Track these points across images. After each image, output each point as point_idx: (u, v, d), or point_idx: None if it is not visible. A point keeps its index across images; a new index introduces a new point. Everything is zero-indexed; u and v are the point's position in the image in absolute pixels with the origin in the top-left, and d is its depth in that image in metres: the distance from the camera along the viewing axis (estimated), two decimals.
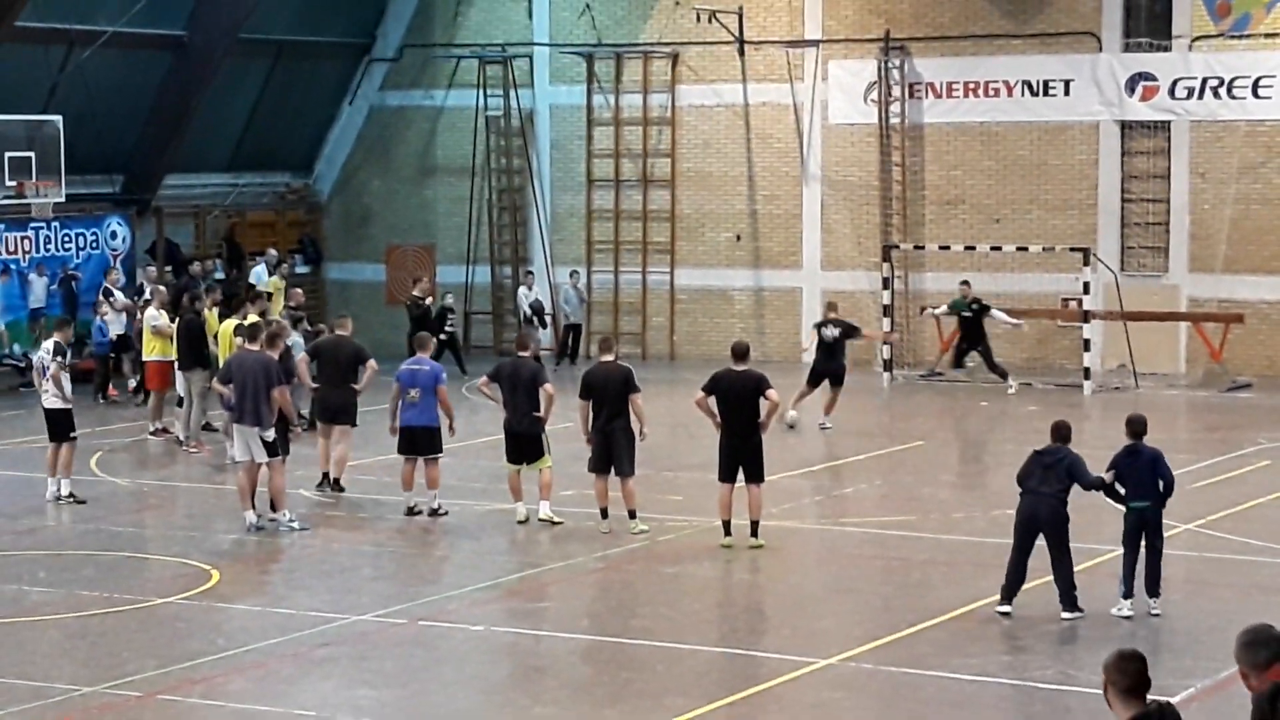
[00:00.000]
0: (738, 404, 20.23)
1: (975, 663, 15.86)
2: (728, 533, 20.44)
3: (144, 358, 28.97)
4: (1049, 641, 16.80)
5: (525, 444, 21.43)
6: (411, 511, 22.11)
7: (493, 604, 18.07)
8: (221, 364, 23.50)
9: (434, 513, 22.08)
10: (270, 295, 32.19)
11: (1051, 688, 15.23)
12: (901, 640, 16.60)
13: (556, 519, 21.53)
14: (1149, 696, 7.91)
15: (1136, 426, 17.46)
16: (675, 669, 15.87)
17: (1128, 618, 17.13)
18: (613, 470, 21.08)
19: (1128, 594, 17.24)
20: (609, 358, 21.33)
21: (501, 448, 22.05)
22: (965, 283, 33.89)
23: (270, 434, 21.23)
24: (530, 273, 38.73)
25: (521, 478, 21.65)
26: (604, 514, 21.22)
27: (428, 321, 33.27)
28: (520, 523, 21.53)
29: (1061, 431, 17.56)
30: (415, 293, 33.74)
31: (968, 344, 33.50)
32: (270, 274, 36.87)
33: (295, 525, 21.39)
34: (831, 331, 28.84)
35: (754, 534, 20.43)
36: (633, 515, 21.15)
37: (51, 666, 16.07)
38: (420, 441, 22.06)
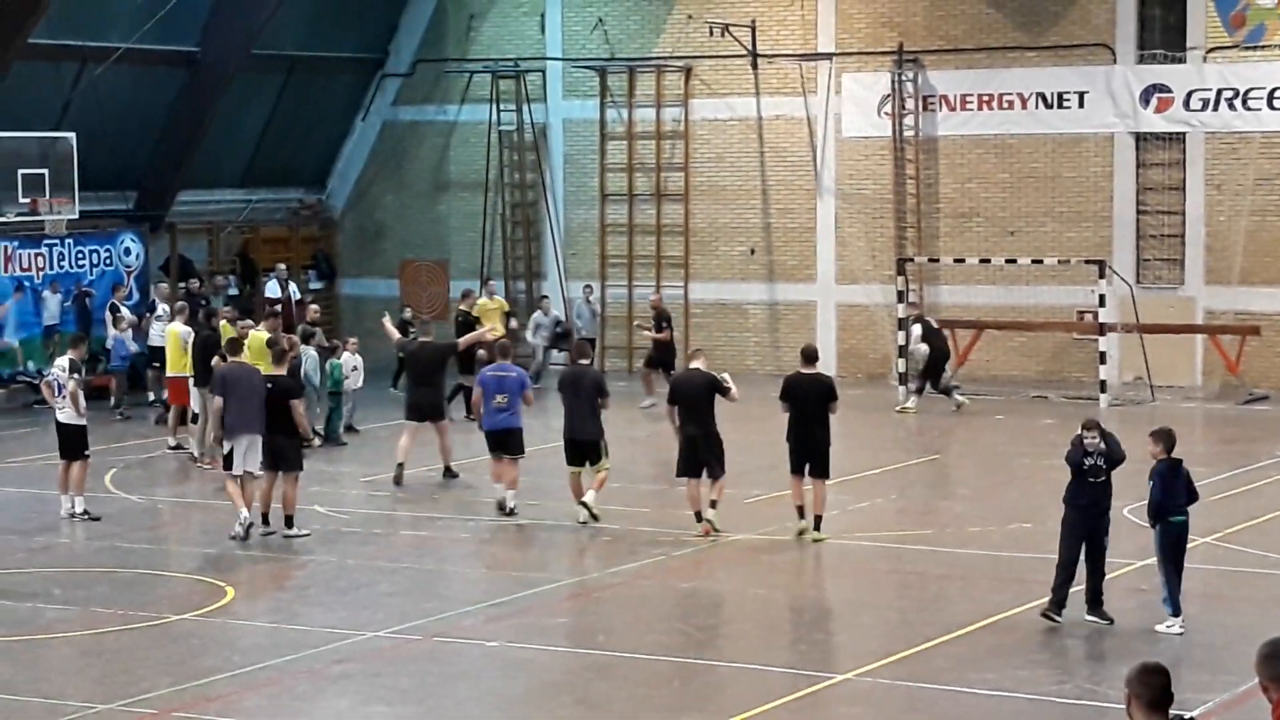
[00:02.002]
0: (808, 405, 21.30)
1: (992, 677, 15.78)
2: (802, 517, 21.39)
3: (168, 373, 28.82)
4: (1066, 656, 16.73)
5: (587, 449, 22.31)
6: (503, 508, 22.83)
7: (507, 620, 18.01)
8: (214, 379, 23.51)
9: (510, 511, 22.75)
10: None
11: (1069, 702, 15.16)
12: (918, 655, 16.53)
13: (596, 510, 22.12)
14: (1171, 711, 7.84)
15: (1170, 441, 17.32)
16: (690, 685, 15.81)
17: (1180, 634, 16.95)
18: (704, 473, 21.68)
19: (1177, 611, 17.08)
20: (697, 365, 22.22)
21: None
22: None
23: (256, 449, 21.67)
24: (545, 297, 37.79)
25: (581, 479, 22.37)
26: (699, 518, 21.74)
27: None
28: (581, 523, 22.06)
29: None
30: (463, 306, 33.55)
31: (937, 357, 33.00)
32: (283, 289, 36.86)
33: (306, 534, 21.72)
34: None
35: (817, 528, 21.29)
36: (713, 505, 21.71)
37: (66, 684, 16.04)
38: (508, 443, 22.98)
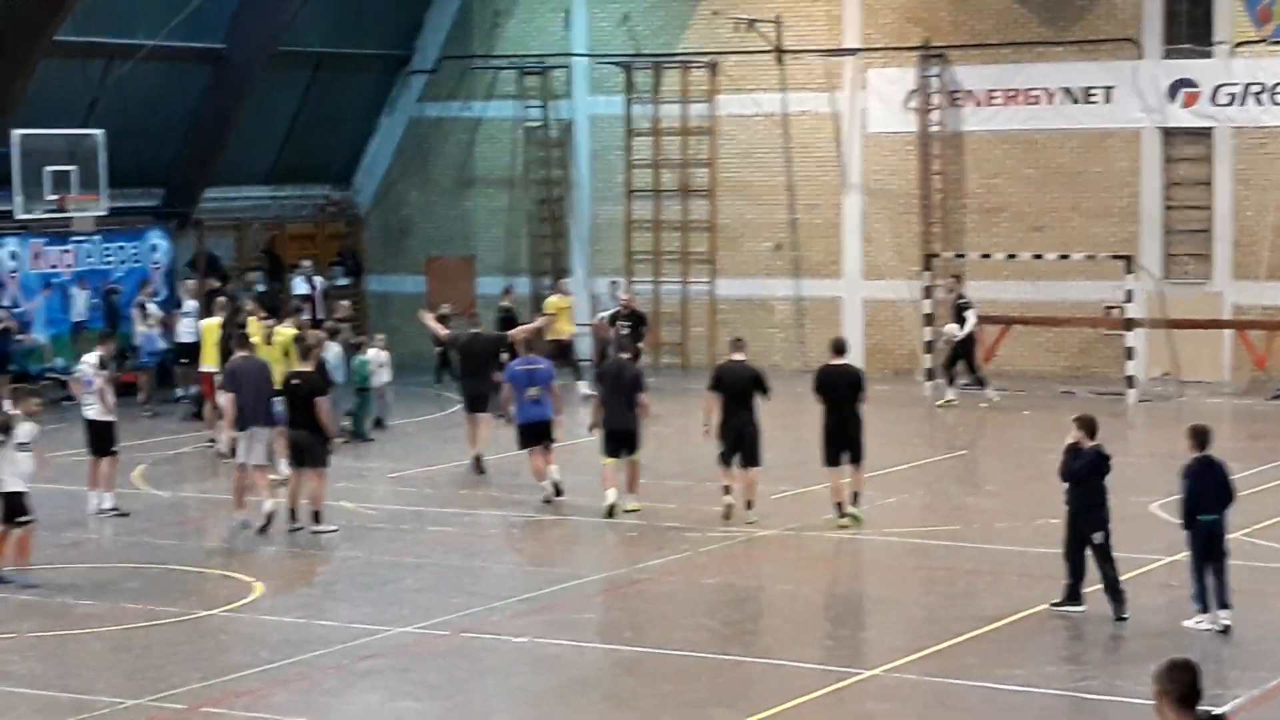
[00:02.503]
0: (839, 395, 21.90)
1: (1020, 673, 15.75)
2: (842, 514, 21.82)
3: (202, 367, 28.89)
4: (1095, 651, 16.70)
5: (624, 439, 22.68)
6: (558, 491, 23.33)
7: (535, 615, 18.03)
8: (223, 373, 24.22)
9: (558, 493, 23.25)
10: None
11: (1097, 698, 15.13)
12: (946, 651, 16.51)
13: (634, 507, 22.54)
14: (1200, 706, 7.83)
15: (1204, 438, 17.17)
16: (718, 680, 15.81)
17: (1207, 630, 16.91)
18: (739, 461, 22.09)
19: (1205, 608, 17.02)
20: (740, 356, 22.54)
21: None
22: (957, 277, 33.78)
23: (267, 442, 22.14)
24: (618, 282, 37.19)
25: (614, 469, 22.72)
26: (748, 506, 22.15)
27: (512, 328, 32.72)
28: (609, 507, 22.34)
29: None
30: (504, 303, 33.54)
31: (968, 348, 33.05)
32: (309, 285, 36.94)
33: (334, 530, 21.77)
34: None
35: (854, 503, 21.91)
36: (749, 506, 22.07)
37: (96, 679, 16.10)
38: (541, 433, 23.54)
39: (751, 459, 22.13)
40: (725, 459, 22.24)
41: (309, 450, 21.93)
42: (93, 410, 23.14)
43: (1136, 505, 22.26)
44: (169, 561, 20.69)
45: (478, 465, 25.77)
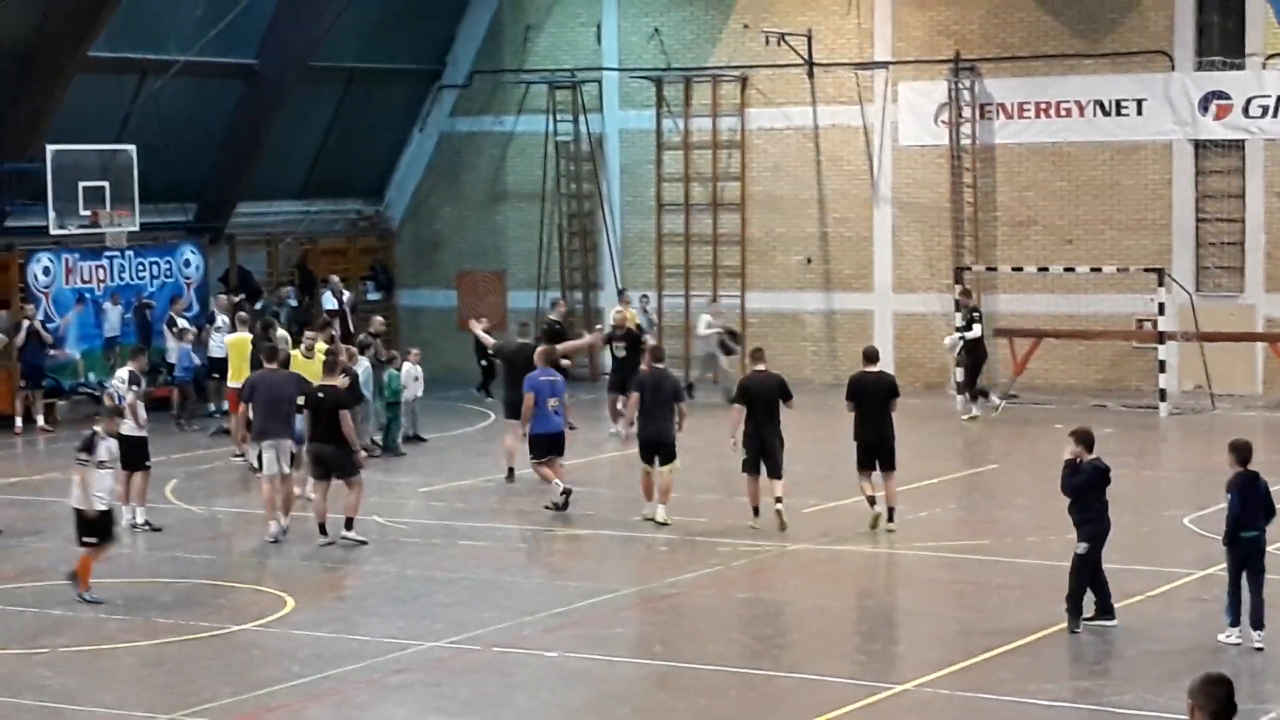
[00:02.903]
0: (873, 402, 22.46)
1: (1052, 688, 15.71)
2: (873, 505, 22.33)
3: (230, 382, 29.00)
4: (1127, 666, 16.64)
5: (661, 449, 23.00)
6: (564, 504, 23.62)
7: (566, 630, 18.03)
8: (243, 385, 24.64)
9: (566, 503, 23.50)
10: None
11: (1130, 713, 15.07)
12: (978, 665, 16.48)
13: (664, 520, 22.72)
14: None
15: (1246, 453, 17.05)
16: (749, 695, 15.79)
17: (1238, 644, 16.83)
18: (764, 471, 22.41)
19: (1236, 621, 16.92)
20: (763, 366, 23.06)
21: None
22: (966, 292, 33.73)
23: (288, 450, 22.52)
24: (715, 299, 36.87)
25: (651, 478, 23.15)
26: (755, 512, 22.53)
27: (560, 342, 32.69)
28: (647, 519, 22.83)
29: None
30: (552, 316, 33.58)
31: (973, 362, 33.06)
32: (337, 300, 37.00)
33: (364, 541, 21.96)
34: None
35: (890, 519, 22.30)
36: (779, 501, 22.35)
37: (128, 693, 16.15)
38: (557, 445, 24.02)
39: (776, 471, 22.41)
40: (750, 468, 22.53)
41: (335, 463, 22.04)
42: (124, 426, 23.19)
43: (1169, 519, 22.21)
44: (201, 576, 20.75)
45: (508, 473, 26.21)
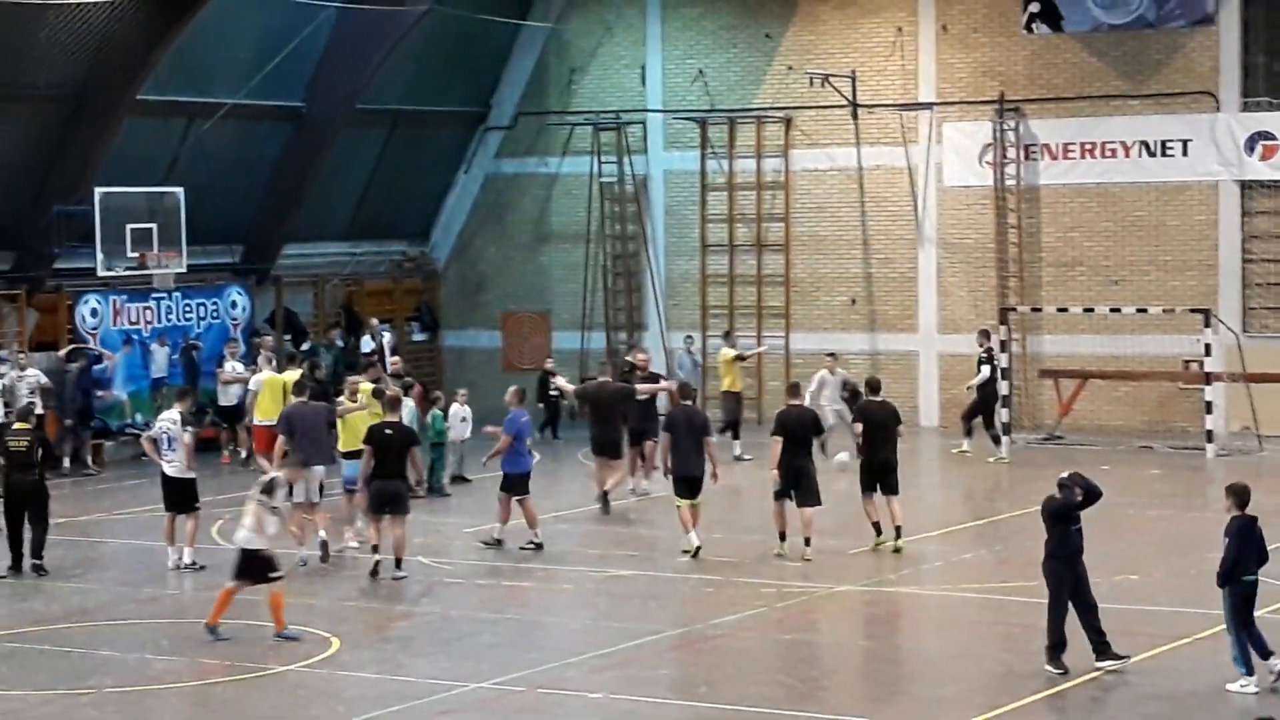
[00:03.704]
0: (880, 430, 23.82)
1: None
2: (879, 533, 23.60)
3: (258, 420, 29.30)
4: (1169, 710, 16.55)
5: (694, 483, 23.64)
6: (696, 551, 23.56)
7: (610, 671, 18.03)
8: (279, 418, 25.31)
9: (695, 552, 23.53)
10: None
11: None
12: (1023, 709, 16.41)
13: (688, 549, 23.34)
14: None
15: (1246, 497, 17.14)
16: None
17: (1255, 693, 16.75)
18: (795, 500, 23.15)
19: (1250, 670, 16.86)
20: (796, 401, 24.03)
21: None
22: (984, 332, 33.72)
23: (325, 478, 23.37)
24: (833, 354, 33.99)
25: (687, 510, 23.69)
26: (782, 538, 23.33)
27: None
28: (688, 552, 23.31)
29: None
30: (629, 358, 33.52)
31: (983, 403, 33.00)
32: (375, 341, 37.14)
33: (404, 576, 22.30)
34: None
35: (897, 537, 23.48)
36: (808, 543, 23.06)
37: None
38: (527, 483, 24.30)
39: (808, 499, 23.16)
40: (782, 496, 23.25)
41: (396, 499, 22.33)
42: (173, 467, 23.34)
43: (1213, 561, 22.06)
44: (246, 617, 20.78)
45: (601, 496, 27.02)
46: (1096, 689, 17.03)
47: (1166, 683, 17.16)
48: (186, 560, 23.23)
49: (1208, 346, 32.64)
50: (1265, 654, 16.85)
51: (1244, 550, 16.88)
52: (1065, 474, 18.21)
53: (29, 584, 22.70)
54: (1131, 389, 35.50)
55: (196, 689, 17.59)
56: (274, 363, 31.37)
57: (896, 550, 23.41)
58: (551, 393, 36.50)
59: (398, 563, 22.33)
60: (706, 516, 24.23)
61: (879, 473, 23.79)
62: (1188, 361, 34.03)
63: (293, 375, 28.70)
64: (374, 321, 38.31)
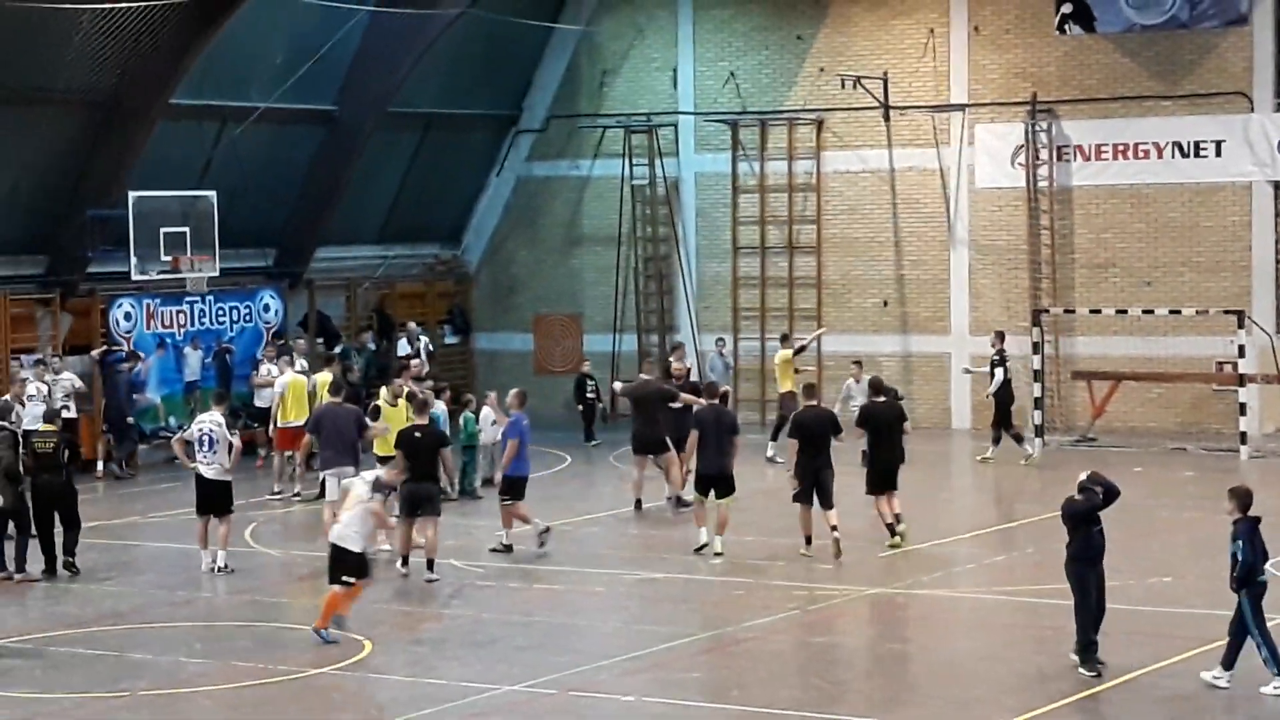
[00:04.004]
0: (886, 430, 24.30)
1: None
2: (894, 534, 23.95)
3: (281, 421, 29.51)
4: (1205, 712, 16.50)
5: (718, 482, 23.87)
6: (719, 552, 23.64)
7: (642, 674, 18.04)
8: (309, 418, 26.02)
9: (510, 549, 23.92)
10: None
11: None
12: (1056, 711, 16.39)
13: (721, 551, 23.46)
14: None
15: (1247, 500, 17.24)
16: None
17: None
18: (817, 502, 23.44)
19: None
20: (814, 402, 24.42)
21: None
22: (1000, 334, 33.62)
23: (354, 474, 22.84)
24: (858, 362, 33.83)
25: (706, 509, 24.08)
26: (808, 541, 23.48)
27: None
28: (698, 550, 23.65)
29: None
30: (672, 359, 33.41)
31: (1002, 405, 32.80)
32: (411, 345, 37.20)
33: (436, 579, 22.39)
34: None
35: (898, 523, 23.99)
36: (836, 544, 23.29)
37: None
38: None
39: (827, 502, 23.44)
40: (803, 498, 23.50)
41: (428, 500, 22.45)
42: (212, 470, 23.41)
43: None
44: (279, 619, 20.86)
45: (676, 500, 27.12)
46: (1129, 691, 16.98)
47: (1200, 685, 17.09)
48: (220, 563, 23.30)
49: (1241, 348, 32.54)
50: None
51: (1254, 551, 16.95)
52: (1084, 475, 18.10)
53: (62, 587, 22.80)
54: (1165, 391, 35.41)
55: (229, 692, 17.63)
56: (295, 365, 31.54)
57: (894, 545, 23.84)
58: (589, 395, 36.60)
59: (429, 565, 22.39)
60: (738, 519, 24.22)
61: (885, 473, 24.22)
62: (1221, 363, 33.94)
63: (324, 377, 28.87)
64: (412, 325, 38.36)
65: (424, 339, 38.16)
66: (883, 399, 25.00)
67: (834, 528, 23.30)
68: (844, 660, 18.96)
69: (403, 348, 37.51)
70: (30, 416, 27.35)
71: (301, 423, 29.05)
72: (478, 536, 25.70)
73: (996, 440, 32.47)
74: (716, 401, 24.84)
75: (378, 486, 19.83)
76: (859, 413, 25.25)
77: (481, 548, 24.87)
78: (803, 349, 33.36)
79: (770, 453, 32.14)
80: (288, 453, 29.36)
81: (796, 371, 32.64)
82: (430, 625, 20.65)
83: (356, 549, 19.54)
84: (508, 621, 20.46)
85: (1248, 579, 16.91)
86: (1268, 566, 17.34)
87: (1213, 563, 21.94)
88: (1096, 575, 17.79)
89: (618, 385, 33.44)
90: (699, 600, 21.83)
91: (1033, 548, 24.72)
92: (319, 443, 24.31)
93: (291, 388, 29.66)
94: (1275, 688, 16.79)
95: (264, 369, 33.64)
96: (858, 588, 21.75)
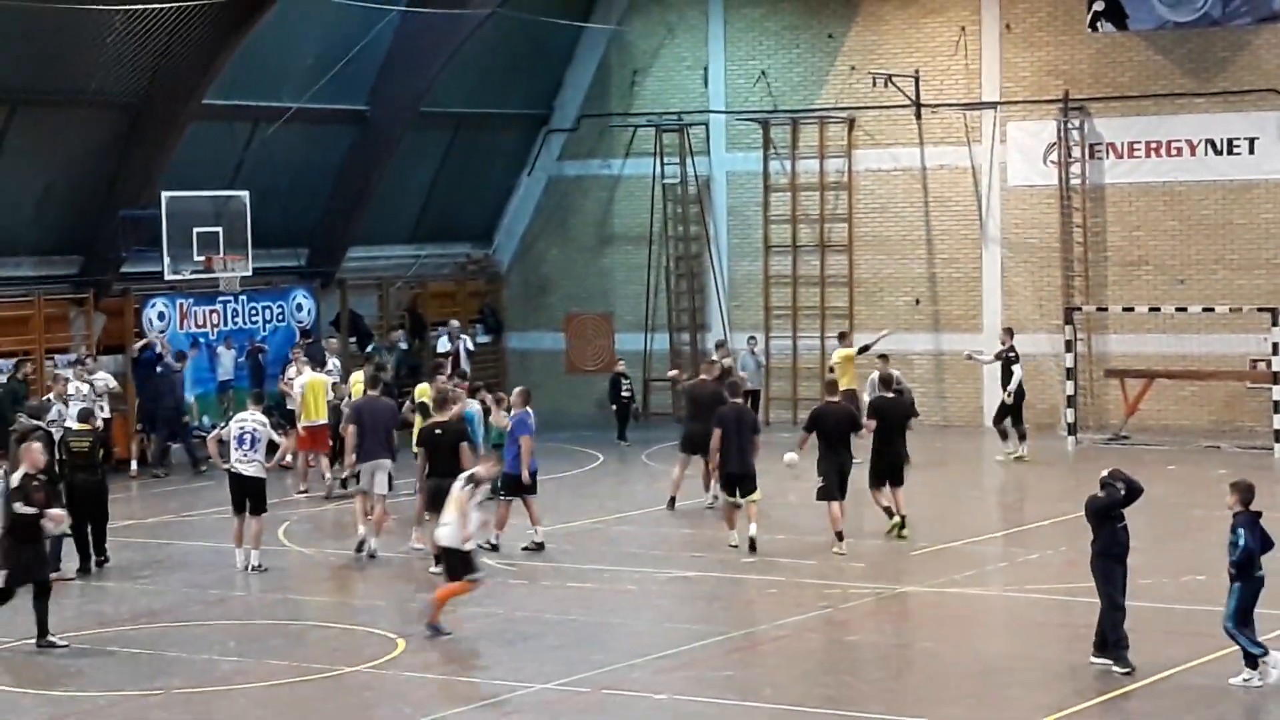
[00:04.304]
0: (892, 424, 24.67)
1: None
2: (891, 516, 24.45)
3: (304, 421, 29.70)
4: (1242, 710, 16.46)
5: (741, 480, 23.98)
6: (754, 546, 23.77)
7: (675, 672, 18.05)
8: (346, 411, 26.76)
9: (494, 547, 24.05)
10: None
11: None
12: (1089, 710, 16.35)
13: (754, 535, 23.68)
14: None
15: (1249, 493, 17.25)
16: None
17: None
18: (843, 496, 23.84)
19: (1266, 651, 17.00)
20: (834, 398, 24.71)
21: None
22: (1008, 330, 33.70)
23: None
24: (884, 356, 31.48)
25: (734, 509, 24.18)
26: (840, 538, 23.62)
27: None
28: (732, 546, 23.87)
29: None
30: (716, 356, 33.37)
31: (1016, 400, 32.74)
32: (452, 344, 37.29)
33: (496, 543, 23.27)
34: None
35: (903, 526, 24.42)
36: (839, 536, 23.70)
37: None
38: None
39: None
40: (828, 494, 23.68)
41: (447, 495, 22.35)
42: (250, 468, 23.46)
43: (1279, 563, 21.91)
44: (313, 618, 20.92)
45: (715, 497, 26.84)
46: (1162, 690, 16.94)
47: (1225, 681, 17.02)
48: (254, 562, 23.37)
49: (1275, 345, 32.43)
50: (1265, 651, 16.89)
51: (1255, 543, 17.01)
52: (1106, 471, 18.06)
53: (96, 585, 22.90)
54: (1198, 389, 35.30)
55: (264, 690, 17.69)
56: (327, 364, 31.78)
57: (902, 536, 24.27)
58: (623, 394, 36.56)
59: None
60: (768, 518, 24.23)
61: (890, 466, 24.55)
62: (1255, 361, 33.83)
63: (358, 376, 29.04)
64: (454, 323, 38.37)
65: (464, 337, 38.21)
66: (892, 394, 25.53)
67: (895, 513, 24.26)
68: (876, 659, 18.94)
69: (443, 344, 37.58)
70: (69, 416, 27.47)
71: (321, 422, 29.57)
72: (509, 535, 25.71)
73: (1022, 436, 32.38)
74: (738, 401, 25.05)
75: (470, 480, 19.85)
76: (868, 406, 25.62)
77: (514, 546, 24.90)
78: (866, 349, 32.66)
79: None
80: (311, 453, 29.63)
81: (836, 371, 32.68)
82: (462, 623, 20.64)
83: (457, 546, 19.58)
84: (540, 620, 20.48)
85: (1247, 565, 16.89)
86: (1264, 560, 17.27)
87: None
88: (1123, 571, 17.75)
89: (675, 374, 34.25)
90: (731, 598, 21.83)
91: (1065, 545, 24.66)
92: (358, 435, 24.47)
93: (310, 388, 29.88)
94: (1245, 679, 16.84)
95: (290, 371, 33.75)
96: (890, 586, 21.73)
